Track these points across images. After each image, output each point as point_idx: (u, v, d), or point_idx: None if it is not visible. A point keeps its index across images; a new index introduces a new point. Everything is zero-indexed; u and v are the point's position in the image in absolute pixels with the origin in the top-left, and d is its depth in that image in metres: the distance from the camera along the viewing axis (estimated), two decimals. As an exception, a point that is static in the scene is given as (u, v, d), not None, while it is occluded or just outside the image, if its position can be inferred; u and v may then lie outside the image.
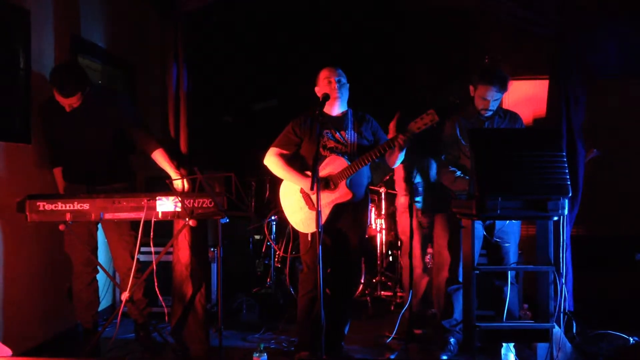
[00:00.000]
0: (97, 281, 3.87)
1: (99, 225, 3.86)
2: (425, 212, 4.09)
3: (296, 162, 3.68)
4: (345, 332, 3.73)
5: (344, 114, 3.64)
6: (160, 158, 3.72)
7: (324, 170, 3.52)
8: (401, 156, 3.51)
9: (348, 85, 3.63)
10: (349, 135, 3.59)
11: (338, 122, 3.60)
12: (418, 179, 4.07)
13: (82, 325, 3.92)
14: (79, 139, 3.69)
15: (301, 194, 3.61)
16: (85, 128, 3.67)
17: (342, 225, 3.59)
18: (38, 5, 3.84)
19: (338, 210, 3.52)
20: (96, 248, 3.86)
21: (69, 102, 3.57)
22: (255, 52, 5.91)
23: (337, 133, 3.57)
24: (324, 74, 3.61)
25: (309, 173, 3.57)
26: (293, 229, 3.71)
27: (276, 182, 3.80)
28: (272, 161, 3.67)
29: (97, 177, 3.76)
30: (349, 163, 3.48)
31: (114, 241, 3.82)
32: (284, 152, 3.67)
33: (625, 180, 5.05)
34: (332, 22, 5.75)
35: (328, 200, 3.49)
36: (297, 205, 3.62)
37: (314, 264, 3.53)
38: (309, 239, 3.58)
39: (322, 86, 3.60)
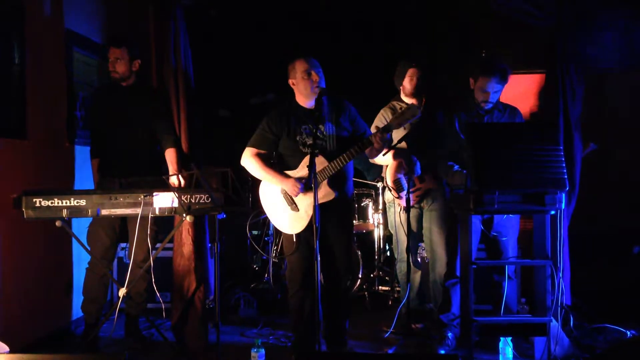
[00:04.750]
0: (108, 277, 3.86)
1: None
2: (411, 205, 4.05)
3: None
4: (347, 326, 3.68)
5: (321, 105, 3.43)
6: (169, 157, 3.82)
7: (303, 170, 3.38)
8: (387, 144, 3.43)
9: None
10: (327, 128, 3.44)
11: (318, 116, 3.41)
12: (400, 175, 4.04)
13: (85, 320, 3.93)
14: (125, 129, 3.80)
15: (282, 195, 3.49)
16: (132, 118, 3.81)
17: (328, 224, 3.46)
18: (33, 1, 3.82)
19: (321, 210, 3.32)
20: (116, 242, 3.90)
21: (114, 55, 3.80)
22: (254, 45, 5.88)
23: (315, 127, 3.40)
24: (301, 67, 3.42)
25: (289, 173, 3.47)
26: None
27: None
28: (249, 162, 3.53)
29: (134, 169, 3.79)
30: (328, 162, 3.36)
31: (135, 231, 3.81)
32: (261, 152, 3.53)
33: (623, 173, 5.04)
34: (331, 14, 5.73)
35: (310, 201, 3.37)
36: (280, 207, 3.51)
37: (299, 264, 3.50)
38: (294, 239, 3.49)
39: (300, 80, 3.43)
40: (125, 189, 3.55)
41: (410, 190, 3.92)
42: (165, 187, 3.55)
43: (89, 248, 3.76)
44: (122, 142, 3.82)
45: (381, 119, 4.06)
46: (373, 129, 3.86)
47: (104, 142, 3.88)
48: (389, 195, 4.18)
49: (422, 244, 4.32)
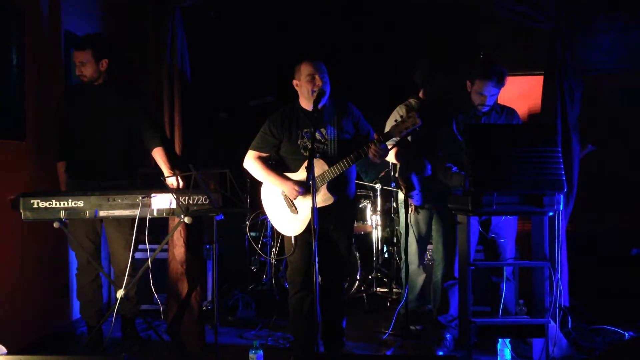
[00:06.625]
0: (100, 278, 3.86)
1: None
2: (422, 207, 4.08)
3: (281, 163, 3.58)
4: (344, 326, 3.70)
5: (323, 108, 3.44)
6: (158, 156, 3.75)
7: (303, 173, 3.35)
8: (384, 154, 3.40)
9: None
10: (329, 132, 3.44)
11: (317, 119, 3.39)
12: (412, 174, 4.05)
13: (85, 322, 3.93)
14: (96, 129, 3.71)
15: (283, 197, 3.51)
16: (104, 118, 3.71)
17: (327, 227, 3.47)
18: (31, 2, 3.82)
19: (320, 213, 3.25)
20: (99, 245, 3.86)
21: (78, 58, 3.66)
22: (252, 47, 5.89)
23: (317, 132, 3.40)
24: (306, 70, 3.41)
25: (290, 176, 3.49)
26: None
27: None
28: (251, 165, 3.57)
29: (106, 171, 3.74)
30: (328, 166, 3.35)
31: (114, 239, 3.81)
32: (263, 154, 3.56)
33: (621, 175, 5.05)
34: (331, 16, 5.73)
35: (309, 203, 3.32)
36: (280, 208, 3.53)
37: (299, 265, 3.51)
38: (293, 241, 3.51)
39: (303, 82, 3.42)
40: (100, 193, 3.43)
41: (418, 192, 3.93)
42: (162, 187, 3.55)
43: (79, 251, 3.75)
44: (93, 143, 3.72)
45: (395, 117, 4.06)
46: (388, 126, 3.87)
47: (73, 143, 3.76)
48: (402, 196, 4.18)
49: (430, 246, 4.33)
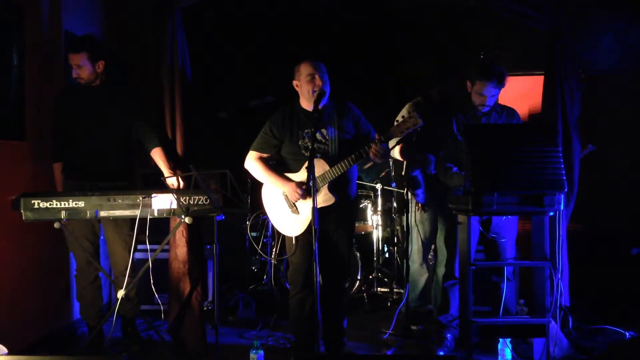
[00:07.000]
0: (100, 278, 3.86)
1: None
2: (428, 205, 4.07)
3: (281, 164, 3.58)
4: (344, 326, 3.69)
5: (323, 109, 3.44)
6: (157, 156, 3.74)
7: (304, 173, 3.29)
8: (384, 154, 3.40)
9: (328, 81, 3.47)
10: (329, 132, 3.44)
11: (317, 119, 3.39)
12: (417, 172, 4.04)
13: (86, 323, 3.93)
14: (94, 130, 3.69)
15: (284, 197, 3.51)
16: (102, 118, 3.70)
17: (328, 227, 3.47)
18: (31, 2, 3.82)
19: (321, 213, 3.27)
20: (98, 245, 3.86)
21: (73, 61, 3.64)
22: (252, 47, 5.89)
23: (318, 132, 3.41)
24: (306, 70, 3.42)
25: (291, 176, 3.49)
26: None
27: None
28: (252, 165, 3.57)
29: (103, 172, 3.73)
30: (330, 166, 3.35)
31: (113, 240, 3.81)
32: (264, 155, 3.56)
33: (621, 175, 5.05)
34: (330, 16, 5.74)
35: (310, 204, 3.31)
36: (281, 209, 3.53)
37: (300, 265, 3.51)
38: (294, 241, 3.51)
39: (303, 83, 3.42)
40: (101, 193, 3.43)
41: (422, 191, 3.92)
42: (163, 188, 3.55)
43: (77, 252, 3.75)
44: (91, 144, 3.70)
45: (403, 113, 4.06)
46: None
47: (71, 144, 3.74)
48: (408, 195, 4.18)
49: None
